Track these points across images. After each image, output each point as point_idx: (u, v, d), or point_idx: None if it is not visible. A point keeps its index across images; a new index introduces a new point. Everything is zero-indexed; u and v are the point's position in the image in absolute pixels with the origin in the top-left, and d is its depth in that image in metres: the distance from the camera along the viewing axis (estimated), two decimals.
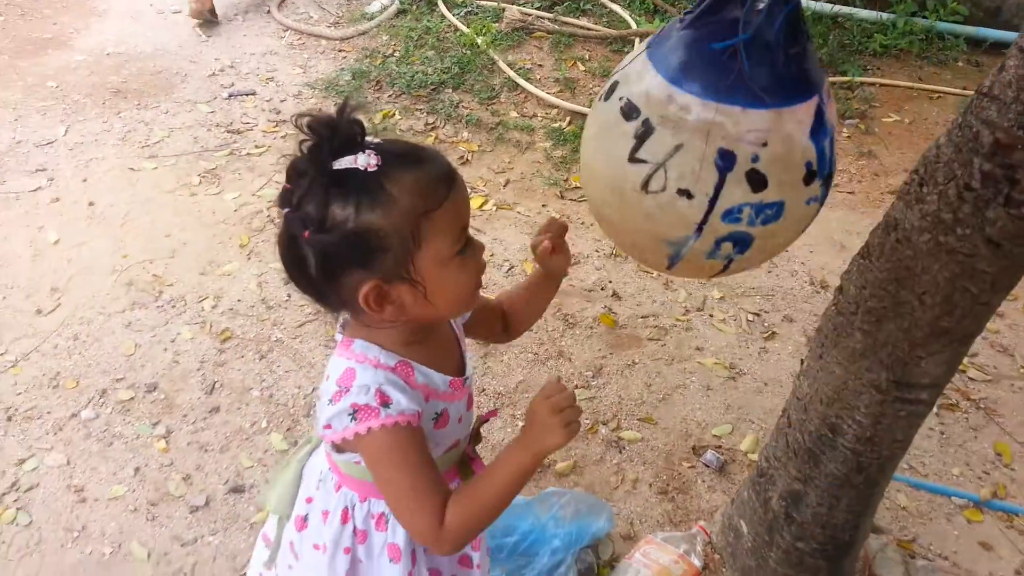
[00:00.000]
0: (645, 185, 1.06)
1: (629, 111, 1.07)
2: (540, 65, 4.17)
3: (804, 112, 1.04)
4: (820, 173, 1.09)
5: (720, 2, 1.03)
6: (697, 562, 1.89)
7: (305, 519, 1.25)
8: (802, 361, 1.68)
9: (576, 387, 2.42)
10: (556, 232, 1.22)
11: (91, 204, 3.03)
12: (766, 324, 2.76)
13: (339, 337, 1.13)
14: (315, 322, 2.53)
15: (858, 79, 4.24)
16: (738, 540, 1.89)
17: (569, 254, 1.26)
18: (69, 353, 2.40)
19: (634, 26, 4.39)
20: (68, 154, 3.32)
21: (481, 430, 1.30)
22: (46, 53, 4.10)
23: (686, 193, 1.05)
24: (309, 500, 1.25)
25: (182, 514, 1.98)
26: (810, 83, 1.05)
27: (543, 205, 3.27)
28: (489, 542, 1.85)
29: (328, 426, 1.04)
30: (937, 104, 4.14)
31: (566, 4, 4.62)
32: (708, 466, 2.20)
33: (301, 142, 0.97)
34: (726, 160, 1.02)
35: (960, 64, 4.48)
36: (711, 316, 2.77)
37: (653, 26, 4.37)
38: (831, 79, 4.23)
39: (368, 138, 0.98)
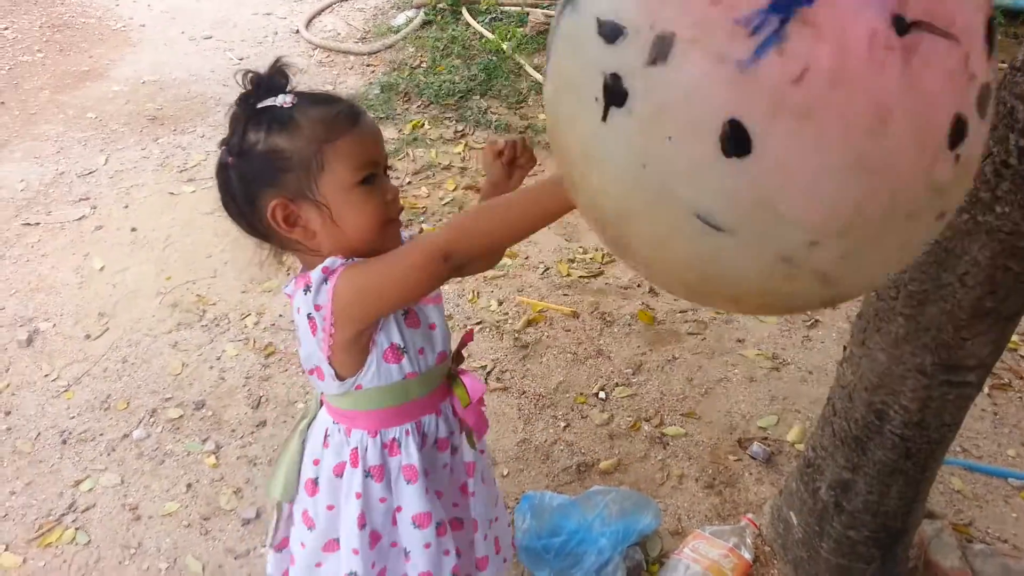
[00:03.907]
0: None
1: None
2: None
3: None
4: None
5: None
6: (747, 555, 1.87)
7: (316, 482, 1.27)
8: (844, 348, 1.66)
9: (617, 385, 2.41)
10: (516, 145, 1.30)
11: (133, 230, 3.11)
12: (808, 312, 2.72)
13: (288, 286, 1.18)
14: None
15: None
16: (788, 531, 1.87)
17: (521, 173, 1.31)
18: (119, 375, 2.47)
19: None
20: (109, 182, 3.40)
21: (461, 350, 1.34)
22: (84, 85, 4.21)
23: None
24: (316, 462, 1.27)
25: (234, 527, 2.02)
26: None
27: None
28: (535, 543, 1.85)
29: (318, 307, 1.09)
30: None
31: None
32: (755, 458, 2.18)
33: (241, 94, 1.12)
34: None
35: (999, 37, 4.38)
36: None
37: None
38: None
39: (297, 88, 1.14)
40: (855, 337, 1.60)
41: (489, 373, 2.45)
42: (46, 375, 2.47)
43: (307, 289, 1.10)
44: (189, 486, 2.12)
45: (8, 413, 2.34)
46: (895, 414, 1.53)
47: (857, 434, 1.62)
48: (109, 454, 2.21)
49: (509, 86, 4.01)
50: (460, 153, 3.57)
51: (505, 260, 2.90)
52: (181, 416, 2.32)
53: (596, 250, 2.98)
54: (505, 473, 2.14)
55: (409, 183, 3.37)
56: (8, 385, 2.43)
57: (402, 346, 1.18)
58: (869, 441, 1.60)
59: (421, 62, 4.27)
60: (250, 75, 1.12)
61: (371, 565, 1.27)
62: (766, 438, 2.24)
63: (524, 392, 2.39)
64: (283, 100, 1.10)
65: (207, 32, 4.77)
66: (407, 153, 3.56)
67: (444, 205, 3.23)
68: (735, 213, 0.66)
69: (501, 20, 4.52)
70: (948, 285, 1.35)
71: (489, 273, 2.83)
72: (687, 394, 2.39)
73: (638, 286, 2.81)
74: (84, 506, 2.07)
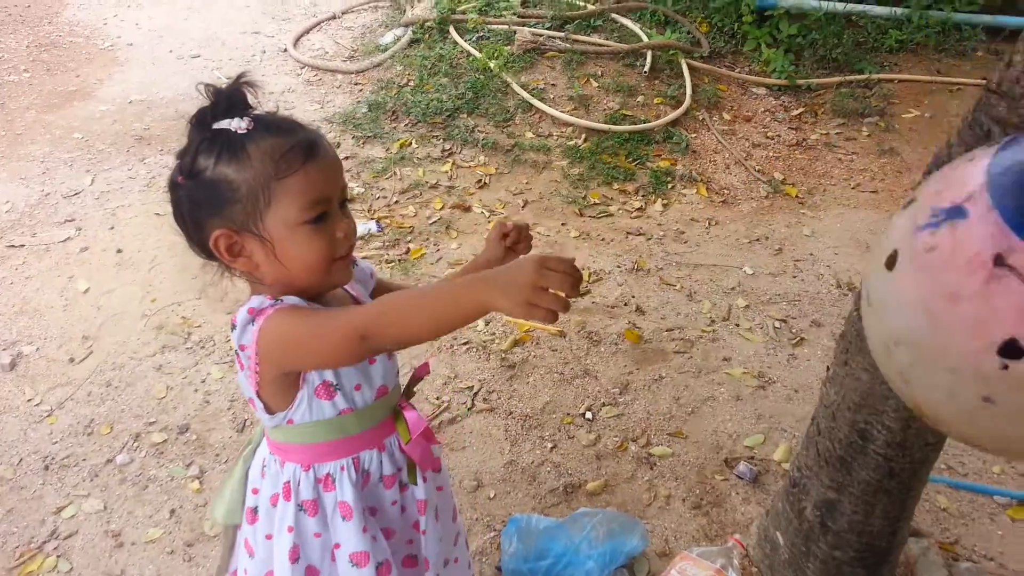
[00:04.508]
0: None
1: None
2: (553, 84, 4.19)
3: None
4: None
5: None
6: None
7: (255, 511, 1.26)
8: (828, 368, 1.66)
9: (604, 405, 2.41)
10: (522, 230, 1.28)
11: (119, 251, 3.10)
12: (794, 330, 2.73)
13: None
14: None
15: (875, 76, 4.21)
16: (775, 552, 1.86)
17: (515, 256, 1.29)
18: (102, 399, 2.45)
19: (645, 39, 4.39)
20: (95, 203, 3.39)
21: (412, 385, 1.33)
22: (71, 105, 4.21)
23: None
24: (255, 491, 1.26)
25: (218, 553, 2.00)
26: None
27: (562, 224, 3.27)
28: (522, 566, 1.84)
29: (243, 347, 1.09)
30: (957, 96, 4.09)
31: (577, 22, 4.64)
32: (741, 478, 2.17)
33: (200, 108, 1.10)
34: None
35: (980, 54, 4.42)
36: (737, 325, 2.74)
37: (665, 38, 4.37)
38: (847, 78, 4.20)
39: (257, 110, 1.10)
40: (838, 357, 1.60)
41: (476, 394, 2.44)
42: (29, 399, 2.45)
43: (233, 327, 1.09)
44: (173, 511, 2.10)
45: None
46: (878, 434, 1.53)
47: (841, 454, 1.62)
48: (92, 479, 2.19)
49: (496, 104, 4.02)
50: (447, 172, 3.58)
51: None
52: (165, 440, 2.30)
53: (583, 269, 2.99)
54: (492, 495, 2.13)
55: (396, 202, 3.38)
56: None
57: (335, 383, 1.16)
58: (853, 461, 1.60)
59: (409, 81, 4.28)
60: (208, 88, 1.09)
61: None
62: (752, 457, 2.24)
63: (511, 413, 2.38)
64: (238, 125, 1.07)
65: (195, 51, 4.78)
66: (394, 172, 3.56)
67: (431, 224, 3.23)
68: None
69: (488, 39, 4.54)
70: None
71: None
72: (674, 413, 2.39)
73: (624, 305, 2.82)
74: (66, 533, 2.05)
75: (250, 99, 1.11)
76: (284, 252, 1.09)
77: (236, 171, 1.06)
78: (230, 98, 1.09)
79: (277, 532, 1.23)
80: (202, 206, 1.09)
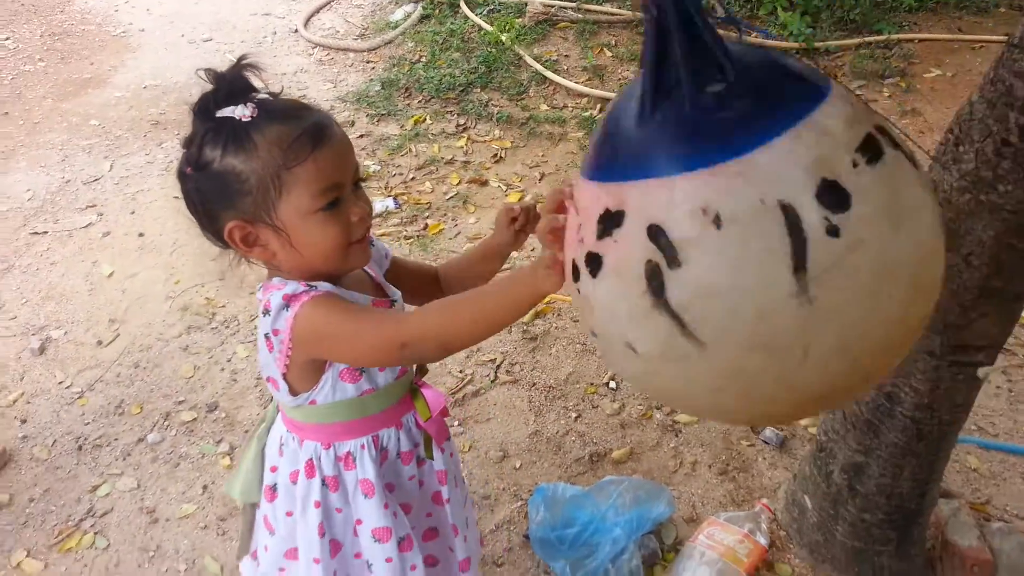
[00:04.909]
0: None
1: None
2: (566, 56, 4.15)
3: None
4: None
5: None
6: (763, 540, 1.87)
7: (274, 488, 1.27)
8: None
9: None
10: (529, 211, 1.25)
11: (141, 235, 3.12)
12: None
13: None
14: None
15: (895, 36, 4.14)
16: (803, 516, 1.87)
17: (524, 237, 1.27)
18: (132, 380, 2.48)
19: None
20: (115, 188, 3.42)
21: (427, 365, 1.34)
22: (87, 92, 4.23)
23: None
24: (274, 469, 1.27)
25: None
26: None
27: None
28: (549, 535, 1.86)
29: (276, 331, 1.09)
30: (980, 54, 4.02)
31: None
32: (768, 443, 2.18)
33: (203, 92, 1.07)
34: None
35: (1002, 10, 4.34)
36: None
37: None
38: (867, 39, 4.14)
39: (261, 94, 1.07)
40: None
41: (499, 366, 2.45)
42: (60, 382, 2.49)
43: (267, 312, 1.09)
44: (205, 488, 2.14)
45: (24, 421, 2.36)
46: (905, 396, 1.53)
47: (868, 417, 1.62)
48: (125, 458, 2.23)
49: (509, 77, 4.00)
50: (463, 147, 3.57)
51: (512, 254, 2.90)
52: (194, 419, 2.33)
53: None
54: (518, 465, 2.15)
55: (413, 179, 3.38)
56: (23, 393, 2.45)
57: (361, 368, 1.17)
58: (880, 424, 1.60)
59: (421, 57, 4.27)
60: (209, 73, 1.06)
61: (333, 574, 1.27)
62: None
63: (534, 384, 2.39)
64: (242, 112, 1.04)
65: (207, 35, 4.78)
66: (409, 149, 3.56)
67: (448, 199, 3.23)
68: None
69: (499, 11, 4.51)
70: (953, 266, 1.34)
71: None
72: None
73: None
74: (102, 511, 2.09)
75: (254, 82, 1.08)
76: (299, 240, 1.07)
77: (244, 162, 1.03)
78: (232, 83, 1.06)
79: (302, 509, 1.24)
80: (213, 198, 1.07)
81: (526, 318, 2.61)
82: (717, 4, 4.37)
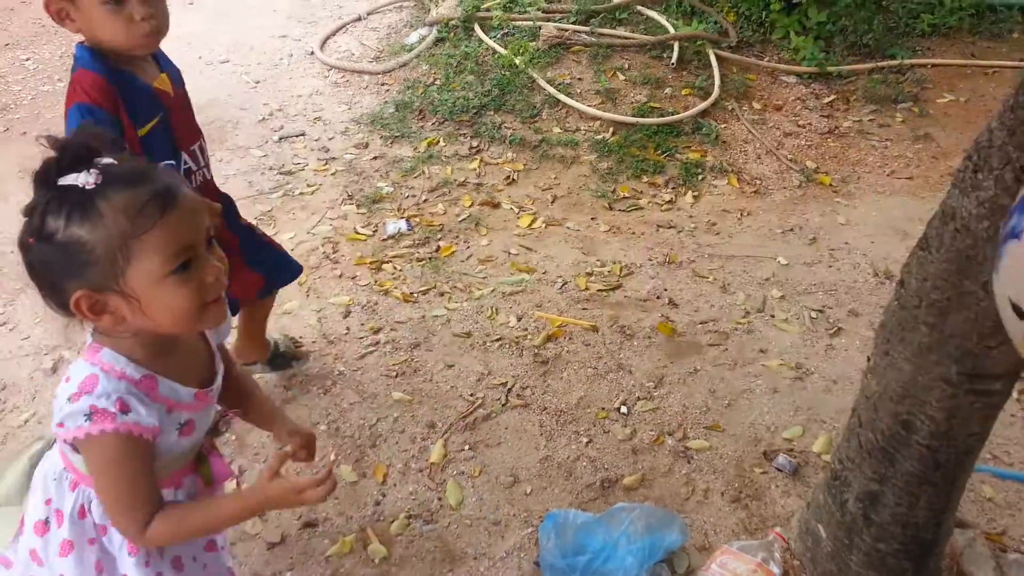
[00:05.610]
0: None
1: None
2: (580, 79, 4.17)
3: None
4: None
5: None
6: (776, 570, 1.85)
7: (47, 523, 1.27)
8: (868, 358, 1.63)
9: (639, 399, 2.40)
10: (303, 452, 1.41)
11: None
12: (831, 320, 2.69)
13: (88, 340, 1.17)
14: (375, 353, 2.57)
15: (908, 61, 4.14)
16: (817, 545, 1.84)
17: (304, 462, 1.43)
18: None
19: (672, 30, 4.36)
20: None
21: (220, 425, 1.35)
22: None
23: None
24: (48, 502, 1.27)
25: (260, 551, 2.02)
26: None
27: (592, 218, 3.26)
28: (560, 562, 1.84)
29: (61, 424, 1.10)
30: (994, 80, 4.01)
31: (602, 16, 4.62)
32: (781, 470, 2.15)
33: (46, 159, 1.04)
34: None
35: (1016, 35, 4.34)
36: (772, 317, 2.71)
37: (691, 28, 4.34)
38: (880, 64, 4.14)
39: (105, 159, 1.05)
40: (878, 347, 1.58)
41: (510, 390, 2.44)
42: None
43: (68, 388, 1.11)
44: None
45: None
46: (922, 424, 1.51)
47: (884, 445, 1.60)
48: None
49: (523, 100, 4.01)
50: (475, 169, 3.58)
51: (523, 276, 2.90)
52: None
53: (614, 263, 2.98)
54: (528, 491, 2.13)
55: (425, 200, 3.39)
56: (35, 414, 2.45)
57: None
58: (896, 452, 1.57)
59: (435, 79, 4.29)
60: (50, 141, 1.03)
61: None
62: (792, 449, 2.22)
63: (545, 408, 2.38)
64: (85, 180, 1.01)
65: (223, 56, 4.82)
66: (423, 171, 3.57)
67: (461, 221, 3.24)
68: None
69: (513, 35, 4.53)
70: (971, 293, 1.33)
71: (507, 289, 2.83)
72: (710, 406, 2.37)
73: (657, 298, 2.80)
74: None
75: (97, 147, 1.05)
76: (151, 305, 1.06)
77: (89, 232, 1.01)
78: (75, 150, 1.03)
79: (80, 543, 1.25)
80: (57, 269, 1.05)
81: (536, 342, 2.60)
82: (730, 29, 4.40)
